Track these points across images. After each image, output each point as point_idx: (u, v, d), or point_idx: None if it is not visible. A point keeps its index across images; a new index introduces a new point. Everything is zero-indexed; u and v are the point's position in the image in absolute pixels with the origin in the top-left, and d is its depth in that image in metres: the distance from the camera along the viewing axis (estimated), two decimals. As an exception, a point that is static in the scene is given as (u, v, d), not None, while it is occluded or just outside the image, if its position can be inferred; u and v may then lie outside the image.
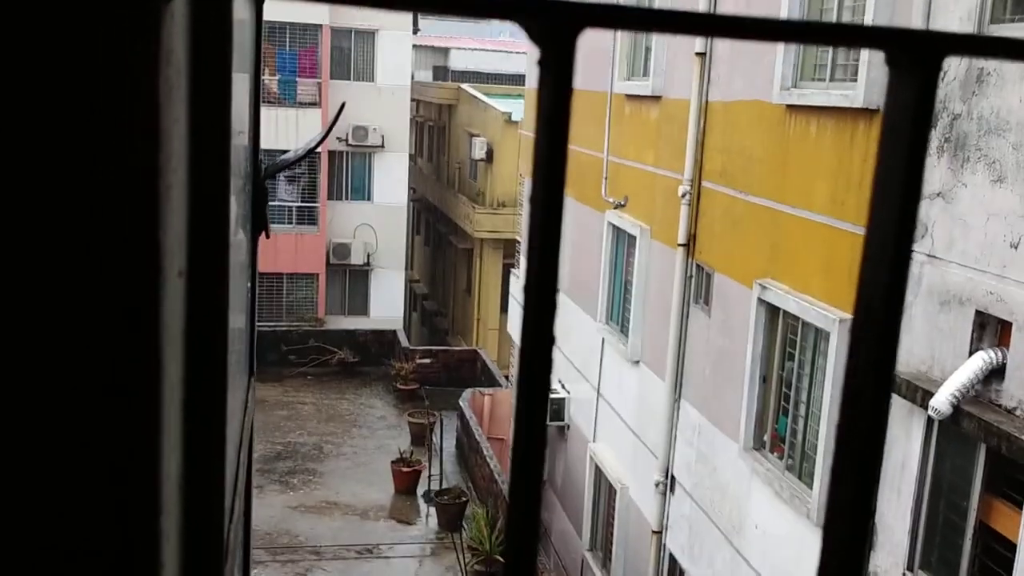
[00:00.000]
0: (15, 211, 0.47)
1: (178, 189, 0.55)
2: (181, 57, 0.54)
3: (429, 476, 18.04)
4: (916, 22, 6.92)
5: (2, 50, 0.45)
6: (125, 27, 0.44)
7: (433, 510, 17.27)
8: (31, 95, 0.44)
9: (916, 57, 0.51)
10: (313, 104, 25.83)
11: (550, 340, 0.48)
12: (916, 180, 0.52)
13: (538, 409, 0.49)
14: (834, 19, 8.23)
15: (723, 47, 10.13)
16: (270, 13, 26.18)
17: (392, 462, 18.36)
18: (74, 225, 0.47)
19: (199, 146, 0.62)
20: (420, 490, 18.17)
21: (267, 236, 1.64)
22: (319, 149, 25.67)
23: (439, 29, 43.86)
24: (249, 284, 1.58)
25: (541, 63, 0.48)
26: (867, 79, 7.47)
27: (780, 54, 8.78)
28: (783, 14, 8.68)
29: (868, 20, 7.47)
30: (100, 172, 0.46)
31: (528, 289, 0.47)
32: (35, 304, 0.48)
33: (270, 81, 25.74)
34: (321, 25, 25.45)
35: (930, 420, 6.54)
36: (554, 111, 0.48)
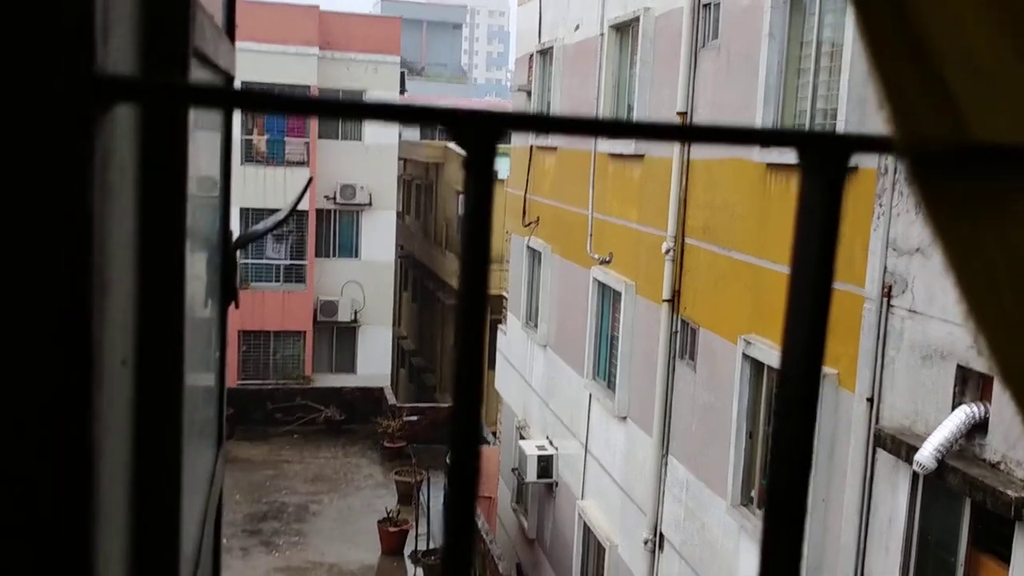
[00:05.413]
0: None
1: (121, 282, 0.57)
2: (127, 157, 0.56)
3: (416, 536, 17.83)
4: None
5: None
6: (56, 134, 0.47)
7: (420, 571, 17.03)
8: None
9: (825, 156, 0.54)
10: (301, 163, 26.04)
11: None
12: (827, 276, 0.54)
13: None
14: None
15: (704, 107, 10.28)
16: (258, 75, 26.24)
17: (379, 522, 18.15)
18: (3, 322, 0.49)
19: (150, 239, 0.64)
20: (407, 550, 17.93)
21: (236, 306, 1.65)
22: (306, 207, 25.80)
23: (427, 90, 44.40)
24: (218, 353, 1.60)
25: (466, 165, 0.51)
26: (845, 137, 7.58)
27: (760, 112, 8.92)
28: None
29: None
30: (28, 271, 0.48)
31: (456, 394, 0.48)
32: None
33: (259, 141, 25.95)
34: (309, 86, 25.76)
35: (915, 475, 6.53)
36: (478, 206, 0.51)
